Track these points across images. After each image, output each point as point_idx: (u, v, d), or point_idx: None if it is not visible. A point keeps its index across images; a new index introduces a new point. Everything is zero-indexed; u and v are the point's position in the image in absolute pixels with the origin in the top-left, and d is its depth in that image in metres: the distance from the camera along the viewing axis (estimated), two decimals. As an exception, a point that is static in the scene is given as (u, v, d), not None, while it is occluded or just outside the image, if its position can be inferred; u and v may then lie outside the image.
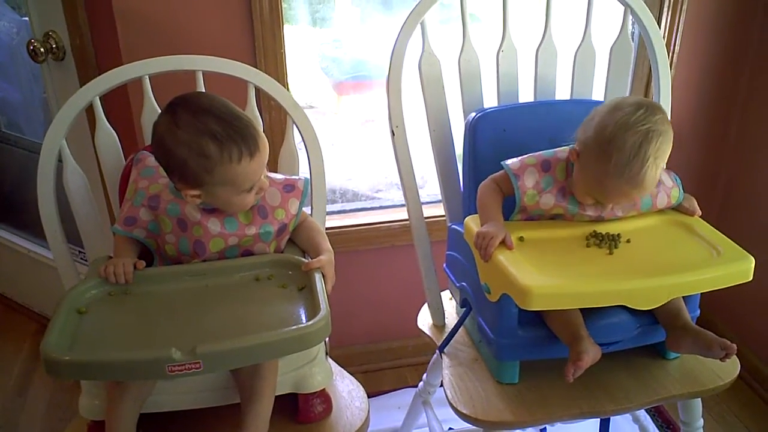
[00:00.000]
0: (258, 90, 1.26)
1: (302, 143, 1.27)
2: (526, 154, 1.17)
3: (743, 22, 1.79)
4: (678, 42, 1.76)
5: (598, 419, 1.40)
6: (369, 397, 1.18)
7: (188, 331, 0.96)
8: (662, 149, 1.05)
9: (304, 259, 1.09)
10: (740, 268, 1.05)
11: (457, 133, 1.33)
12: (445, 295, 1.42)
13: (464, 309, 1.27)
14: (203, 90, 1.23)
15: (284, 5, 1.54)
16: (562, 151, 1.16)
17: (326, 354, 1.17)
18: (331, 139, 1.98)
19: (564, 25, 1.42)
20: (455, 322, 1.30)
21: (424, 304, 1.43)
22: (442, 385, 1.20)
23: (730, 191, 1.94)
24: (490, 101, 1.35)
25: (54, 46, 1.63)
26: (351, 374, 1.22)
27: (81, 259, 1.75)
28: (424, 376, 1.44)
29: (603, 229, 1.13)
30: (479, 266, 1.13)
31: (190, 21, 1.50)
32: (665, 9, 1.72)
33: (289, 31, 1.61)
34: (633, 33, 1.69)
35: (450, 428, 1.65)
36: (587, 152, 1.09)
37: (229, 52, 1.28)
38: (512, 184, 1.14)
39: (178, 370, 0.87)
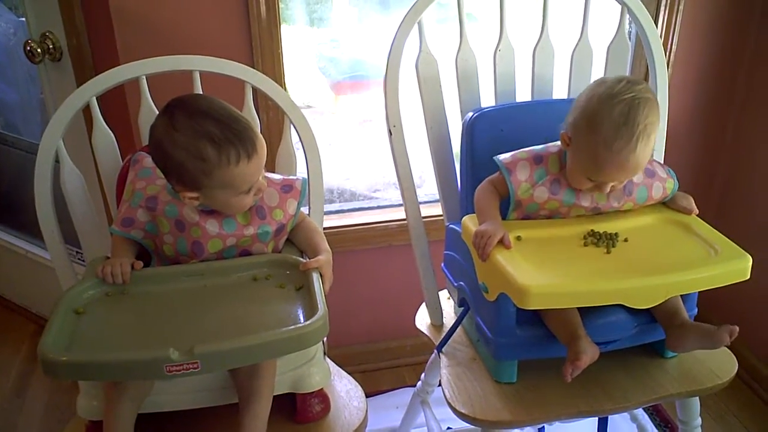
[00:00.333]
0: (255, 90, 1.25)
1: (300, 143, 1.27)
2: (522, 152, 1.17)
3: (740, 21, 1.79)
4: (675, 41, 1.76)
5: (597, 418, 1.40)
6: (367, 396, 1.18)
7: (186, 331, 0.96)
8: (650, 119, 1.06)
9: (301, 259, 1.09)
10: (738, 267, 1.05)
11: (455, 132, 1.33)
12: (443, 294, 1.42)
13: (462, 308, 1.26)
14: (200, 91, 1.23)
15: (281, 5, 1.54)
16: (554, 145, 1.17)
17: (324, 354, 1.17)
18: (328, 138, 1.98)
19: (561, 25, 1.43)
20: (453, 322, 1.30)
21: (422, 303, 1.43)
22: (440, 385, 1.20)
23: (727, 190, 1.95)
24: (488, 101, 1.35)
25: (51, 46, 1.62)
26: (349, 374, 1.22)
27: (78, 259, 1.75)
28: (422, 375, 1.44)
29: (600, 228, 1.13)
30: (477, 265, 1.13)
31: (187, 21, 1.50)
32: (662, 8, 1.72)
33: (286, 30, 1.61)
34: (630, 32, 1.70)
35: (448, 428, 1.65)
36: (577, 131, 1.10)
37: (226, 52, 1.28)
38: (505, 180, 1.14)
39: (176, 370, 0.87)
